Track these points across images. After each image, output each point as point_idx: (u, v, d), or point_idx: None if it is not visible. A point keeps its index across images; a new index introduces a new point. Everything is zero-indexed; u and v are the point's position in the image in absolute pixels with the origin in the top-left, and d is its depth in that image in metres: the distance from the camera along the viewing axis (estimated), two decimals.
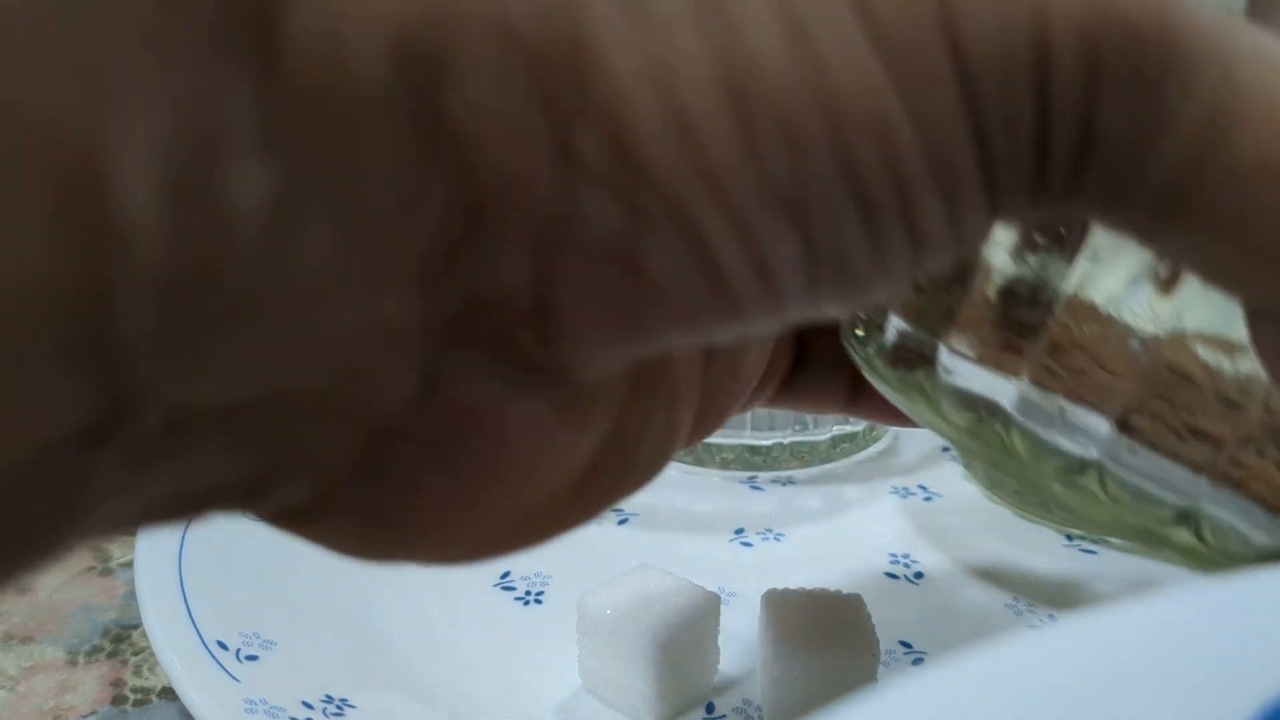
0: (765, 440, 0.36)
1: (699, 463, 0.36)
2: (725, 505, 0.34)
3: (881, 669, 0.24)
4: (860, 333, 0.24)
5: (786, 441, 0.36)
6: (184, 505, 0.11)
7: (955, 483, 0.35)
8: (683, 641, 0.24)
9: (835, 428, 0.37)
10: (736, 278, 0.12)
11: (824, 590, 0.25)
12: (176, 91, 0.09)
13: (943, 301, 0.23)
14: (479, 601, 0.28)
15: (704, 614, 0.24)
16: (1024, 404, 0.22)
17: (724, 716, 0.25)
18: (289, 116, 0.10)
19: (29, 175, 0.08)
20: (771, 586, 0.25)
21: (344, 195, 0.10)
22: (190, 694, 0.23)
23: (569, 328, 0.12)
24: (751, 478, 0.36)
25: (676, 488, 0.35)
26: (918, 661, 0.27)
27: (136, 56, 0.09)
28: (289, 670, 0.25)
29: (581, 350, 0.12)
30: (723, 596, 0.26)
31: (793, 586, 0.25)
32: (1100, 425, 0.22)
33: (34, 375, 0.09)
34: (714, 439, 0.36)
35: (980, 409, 0.23)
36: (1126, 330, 0.21)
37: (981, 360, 0.23)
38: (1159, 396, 0.21)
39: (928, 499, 0.34)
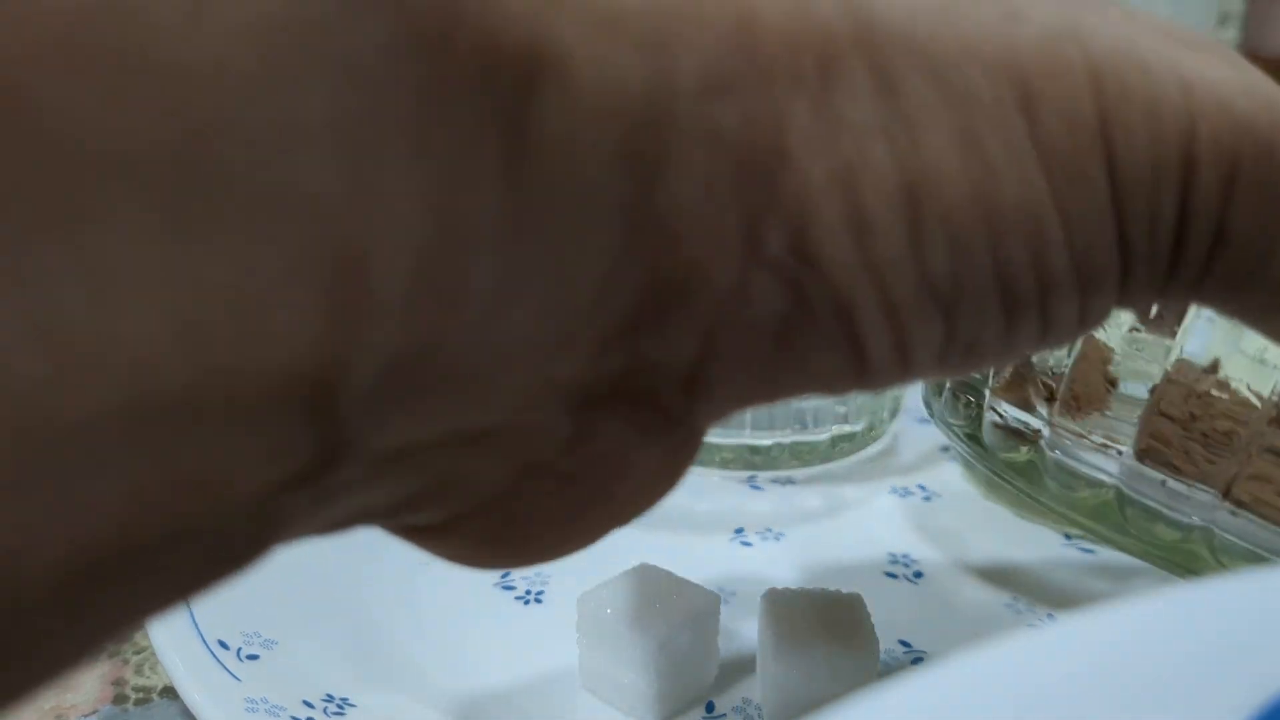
0: (765, 440, 0.36)
1: (699, 462, 0.36)
2: (725, 505, 0.34)
3: (881, 668, 0.24)
4: (959, 410, 0.25)
5: (786, 441, 0.36)
6: (335, 526, 0.12)
7: (954, 482, 0.35)
8: (682, 641, 0.24)
9: (835, 427, 0.37)
10: (877, 356, 0.13)
11: (823, 590, 0.25)
12: (432, 189, 0.10)
13: (1046, 381, 0.23)
14: (479, 601, 0.28)
15: (704, 613, 0.24)
16: (1131, 476, 0.23)
17: (724, 715, 0.25)
18: (524, 210, 0.11)
19: (304, 263, 0.09)
20: (771, 586, 0.25)
21: (557, 278, 0.11)
22: (191, 693, 0.23)
23: (715, 389, 0.13)
24: (751, 477, 0.36)
25: (676, 487, 0.35)
26: (917, 660, 0.27)
27: (403, 159, 0.10)
28: (290, 669, 0.25)
29: (718, 406, 0.13)
30: (722, 596, 0.26)
31: (792, 586, 0.25)
32: (1205, 496, 0.22)
33: (273, 433, 0.10)
34: (714, 439, 0.36)
35: (1087, 483, 0.24)
36: (1227, 404, 0.22)
37: (1088, 437, 0.23)
38: (1260, 470, 0.21)
39: (927, 499, 0.34)
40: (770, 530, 0.33)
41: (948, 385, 0.25)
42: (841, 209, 0.12)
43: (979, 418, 0.24)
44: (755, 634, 0.25)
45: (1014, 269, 0.12)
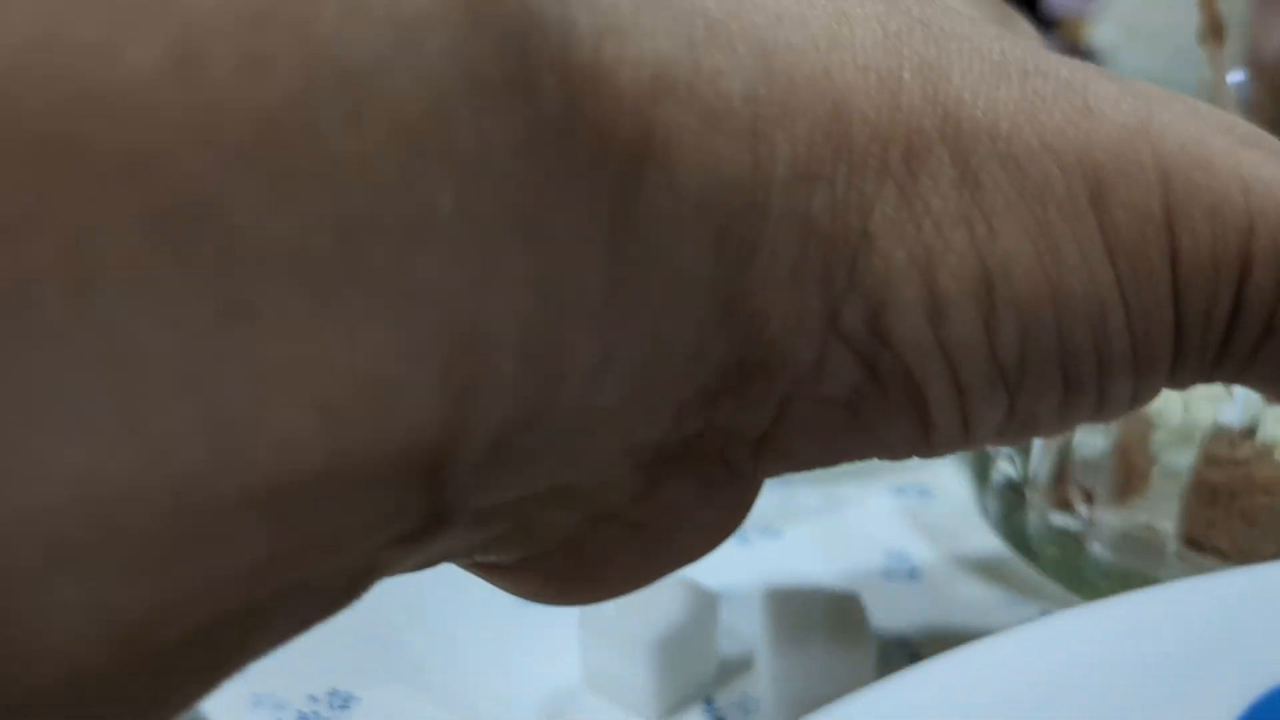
0: None
1: None
2: None
3: (878, 665, 0.25)
4: (1004, 512, 0.25)
5: None
6: (417, 568, 0.13)
7: (952, 481, 0.35)
8: (682, 638, 0.24)
9: None
10: (942, 428, 0.13)
11: (822, 588, 0.25)
12: (543, 269, 0.10)
13: (1084, 486, 0.23)
14: (482, 597, 0.29)
15: (703, 611, 0.25)
16: (1177, 569, 0.23)
17: (723, 712, 0.25)
18: (623, 288, 0.11)
19: (429, 345, 0.10)
20: (769, 584, 0.25)
21: (649, 351, 0.12)
22: None
23: (783, 452, 0.14)
24: None
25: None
26: (914, 657, 0.27)
27: (519, 243, 0.10)
28: (295, 665, 0.25)
29: (783, 466, 0.14)
30: (722, 594, 0.26)
31: (791, 584, 0.25)
32: None
33: (390, 501, 0.10)
34: None
35: (1133, 576, 0.24)
36: (1267, 478, 0.22)
37: (1132, 533, 0.23)
38: None
39: (924, 497, 0.35)
40: (769, 528, 0.33)
41: (993, 486, 0.26)
42: (920, 292, 0.13)
43: (1024, 519, 0.25)
44: (754, 632, 0.26)
45: (1077, 353, 0.13)
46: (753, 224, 0.12)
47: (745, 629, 0.27)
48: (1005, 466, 0.25)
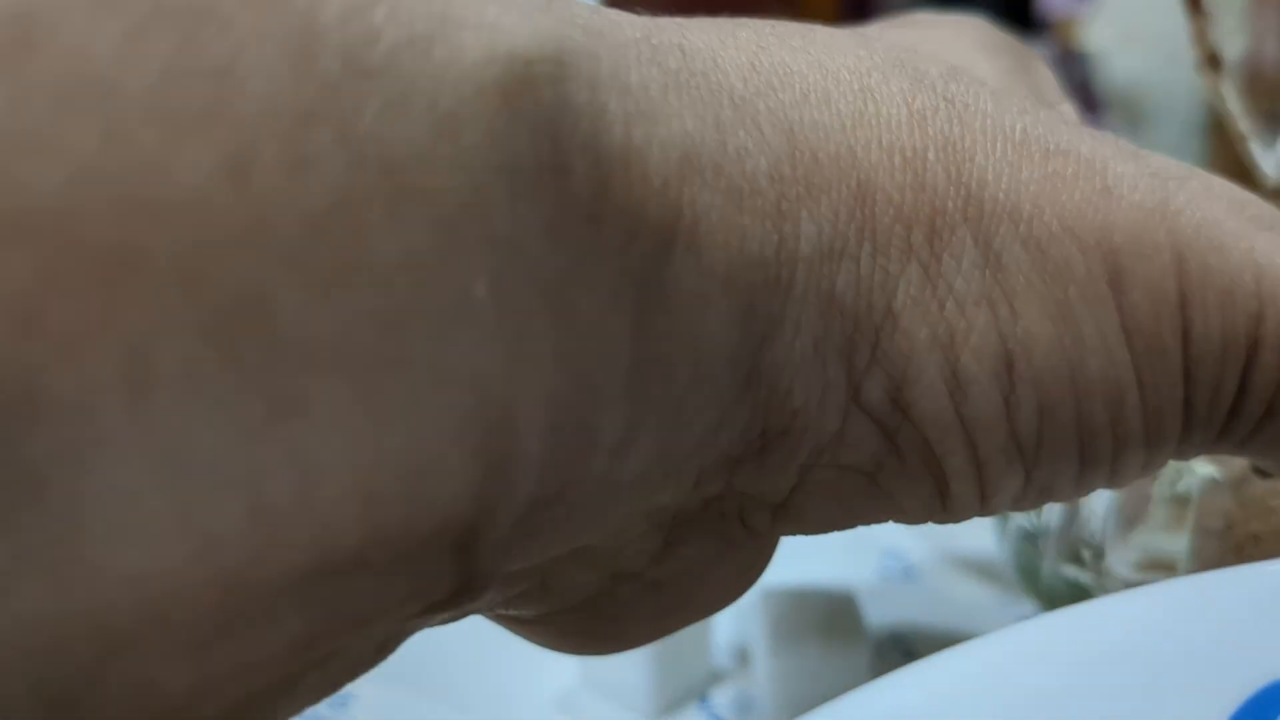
0: None
1: None
2: None
3: (874, 664, 0.25)
4: (1021, 562, 0.25)
5: None
6: (440, 623, 0.13)
7: None
8: (678, 637, 0.24)
9: None
10: (959, 498, 0.14)
11: (817, 587, 0.25)
12: (572, 348, 0.11)
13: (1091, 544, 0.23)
14: None
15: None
16: None
17: (719, 711, 0.25)
18: (649, 363, 0.11)
19: (463, 428, 0.10)
20: (765, 583, 0.25)
21: (673, 423, 0.12)
22: None
23: (801, 515, 0.14)
24: None
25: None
26: (910, 656, 0.27)
27: (549, 324, 0.10)
28: None
29: (800, 528, 0.14)
30: None
31: (786, 583, 0.25)
32: None
33: (423, 575, 0.11)
34: None
35: None
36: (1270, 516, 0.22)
37: (1139, 578, 0.23)
38: None
39: None
40: None
41: (1009, 534, 0.26)
42: (941, 369, 0.13)
43: (1038, 568, 0.25)
44: (750, 631, 0.26)
45: (1094, 429, 0.13)
46: (777, 300, 0.12)
47: (741, 628, 0.27)
48: (1020, 516, 0.25)
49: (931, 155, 0.13)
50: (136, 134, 0.08)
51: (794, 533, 0.14)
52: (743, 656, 0.26)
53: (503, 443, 0.10)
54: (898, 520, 0.14)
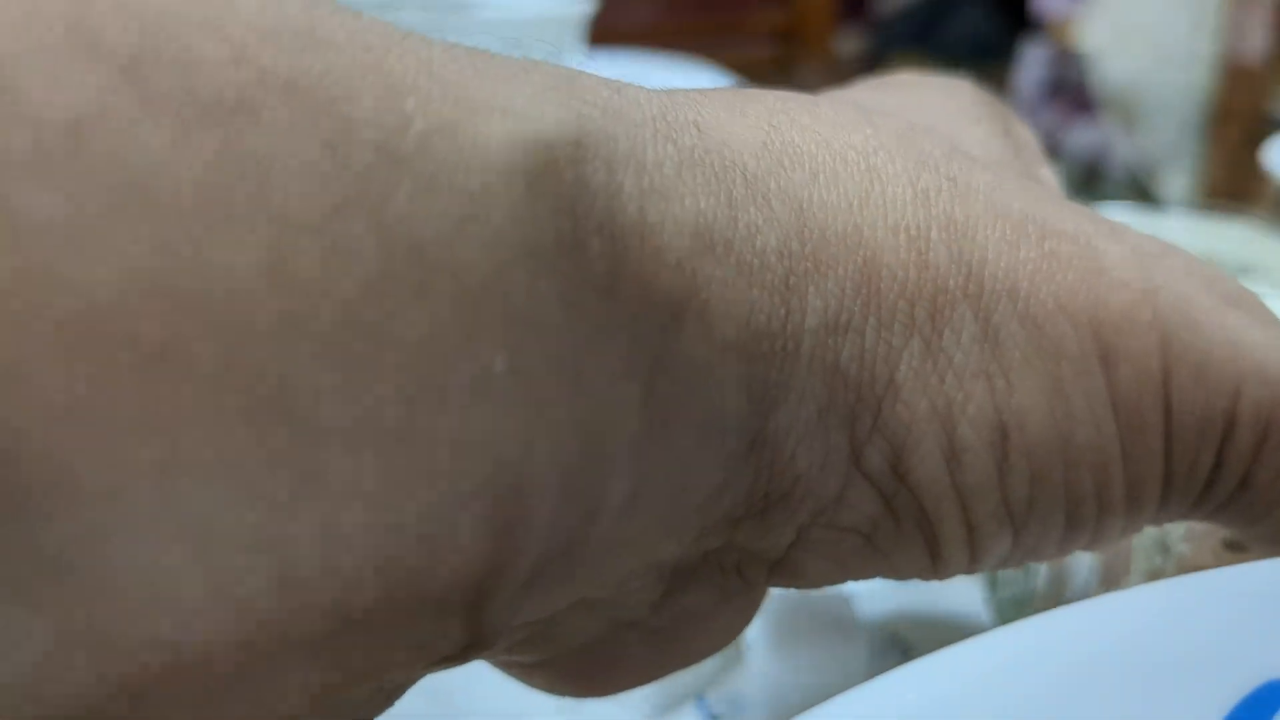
0: None
1: None
2: None
3: (870, 662, 0.25)
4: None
5: None
6: (438, 670, 0.13)
7: None
8: None
9: None
10: (949, 559, 0.14)
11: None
12: (583, 416, 0.11)
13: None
14: None
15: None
16: None
17: (715, 709, 0.25)
18: (656, 429, 0.12)
19: (477, 494, 0.10)
20: None
21: (678, 486, 0.12)
22: None
23: (797, 571, 0.14)
24: None
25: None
26: (906, 655, 0.27)
27: (563, 394, 0.11)
28: None
29: (795, 582, 0.15)
30: None
31: None
32: None
33: (432, 631, 0.11)
34: None
35: None
36: None
37: None
38: None
39: None
40: None
41: (998, 595, 0.27)
42: (939, 439, 0.13)
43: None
44: (747, 630, 0.26)
45: (1080, 497, 0.14)
46: (783, 370, 0.12)
47: None
48: (1009, 587, 0.25)
49: (934, 234, 0.13)
50: (182, 233, 0.09)
51: (788, 585, 0.15)
52: (739, 656, 0.26)
53: (514, 507, 0.11)
54: (889, 577, 0.15)
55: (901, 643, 0.27)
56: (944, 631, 0.28)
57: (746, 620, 0.16)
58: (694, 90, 0.14)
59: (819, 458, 0.13)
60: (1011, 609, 0.25)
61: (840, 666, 0.23)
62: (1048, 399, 0.13)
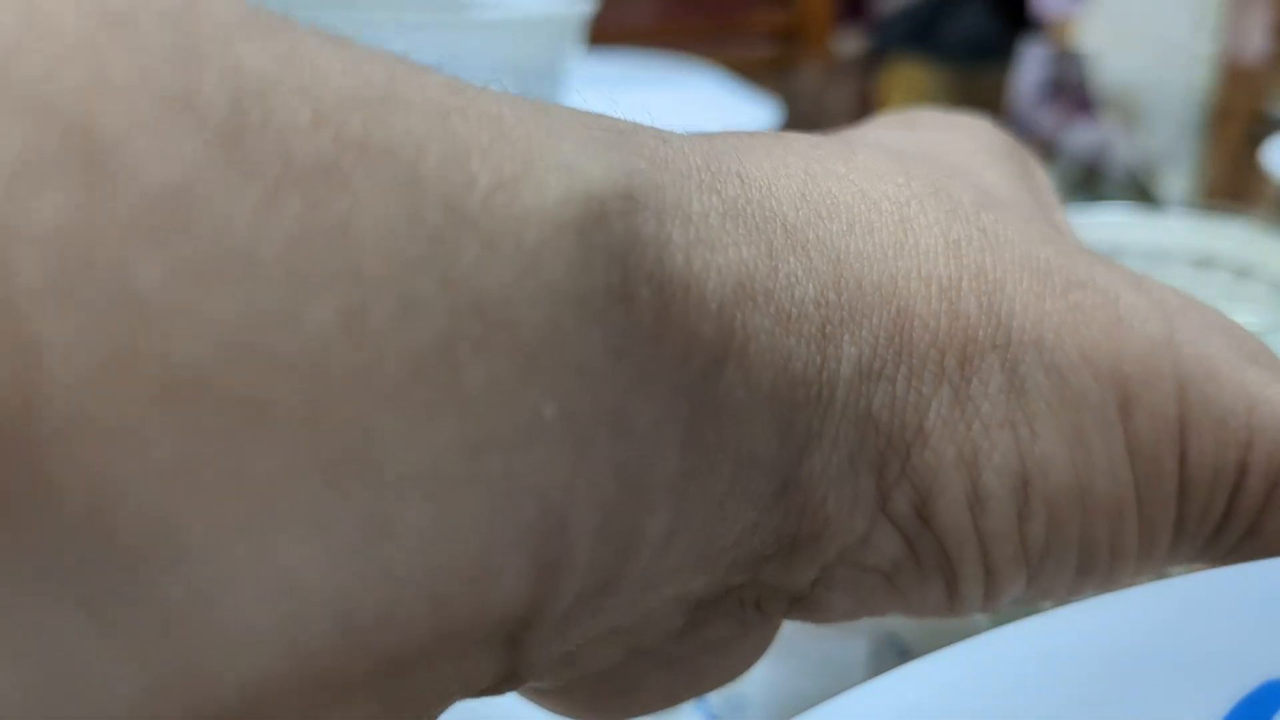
0: None
1: None
2: None
3: (870, 662, 0.25)
4: None
5: None
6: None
7: None
8: None
9: None
10: (966, 598, 0.15)
11: None
12: (625, 458, 0.11)
13: None
14: None
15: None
16: None
17: (716, 709, 0.25)
18: (694, 470, 0.12)
19: (524, 536, 0.11)
20: None
21: (711, 524, 0.13)
22: None
23: (817, 606, 0.15)
24: None
25: None
26: (906, 655, 0.27)
27: (608, 436, 0.11)
28: None
29: (814, 617, 0.15)
30: None
31: None
32: None
33: (475, 666, 0.11)
34: None
35: None
36: None
37: None
38: None
39: None
40: None
41: None
42: (964, 485, 0.14)
43: None
44: None
45: (1095, 543, 0.14)
46: (817, 415, 0.13)
47: None
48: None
49: (965, 284, 0.14)
50: (269, 296, 0.09)
51: (806, 620, 0.15)
52: None
53: (557, 547, 0.11)
54: (906, 615, 0.15)
55: (901, 643, 0.27)
56: (944, 631, 0.28)
57: (761, 652, 0.16)
58: (734, 136, 0.15)
59: (848, 501, 0.13)
60: (1010, 610, 0.25)
61: (840, 666, 0.23)
62: (1069, 448, 0.14)
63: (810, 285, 0.13)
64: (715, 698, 0.25)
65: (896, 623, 0.28)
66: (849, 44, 1.43)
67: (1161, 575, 0.20)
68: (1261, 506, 0.15)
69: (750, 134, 0.15)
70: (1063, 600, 0.16)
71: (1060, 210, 0.19)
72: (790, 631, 0.24)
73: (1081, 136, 0.68)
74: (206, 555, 0.09)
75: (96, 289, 0.08)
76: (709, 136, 0.14)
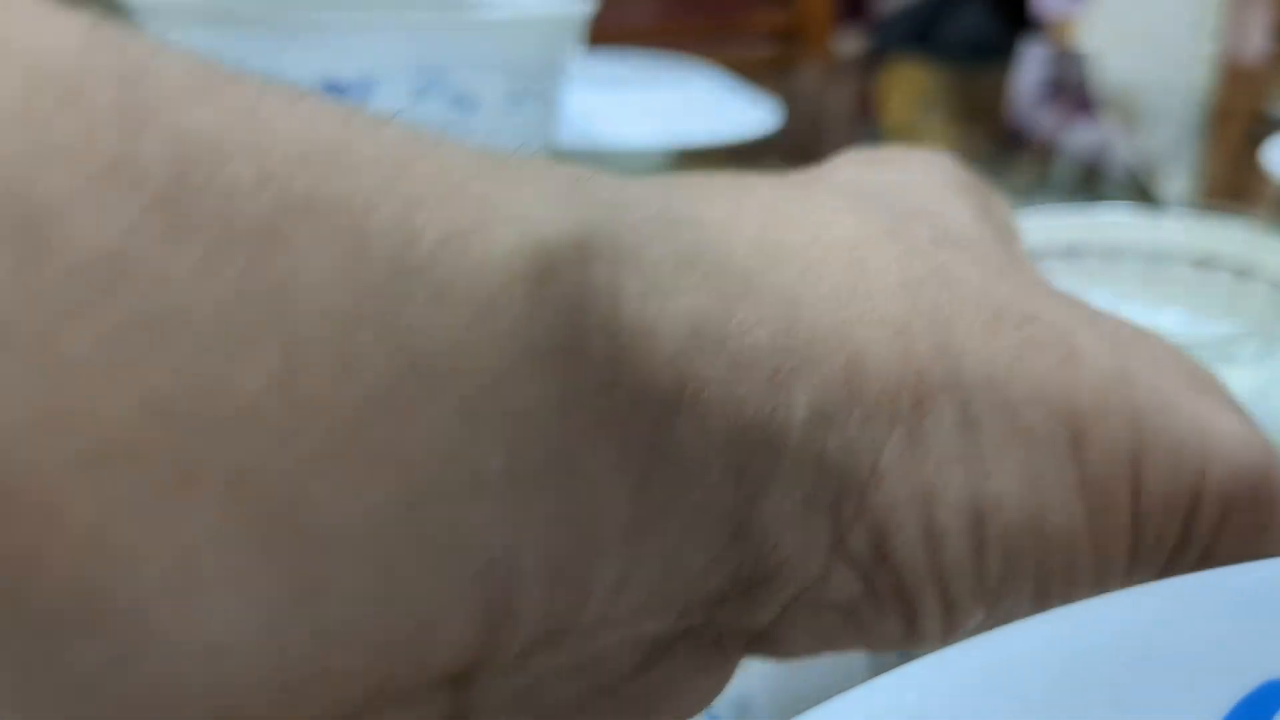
0: None
1: None
2: None
3: (871, 663, 0.25)
4: None
5: None
6: None
7: None
8: None
9: None
10: (924, 631, 0.15)
11: None
12: (575, 508, 0.11)
13: None
14: None
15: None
16: None
17: (716, 710, 0.25)
18: (646, 517, 0.12)
19: (471, 586, 0.11)
20: None
21: (665, 571, 0.13)
22: None
23: (776, 644, 0.15)
24: None
25: None
26: (907, 655, 0.27)
27: (555, 488, 0.11)
28: None
29: (773, 653, 0.15)
30: None
31: None
32: None
33: (424, 710, 0.11)
34: None
35: None
36: None
37: None
38: None
39: None
40: None
41: None
42: (920, 523, 0.14)
43: None
44: None
45: (1050, 574, 0.14)
46: (770, 460, 0.13)
47: None
48: None
49: (917, 325, 0.14)
50: (199, 358, 0.09)
51: (766, 656, 0.15)
52: None
53: (503, 597, 0.11)
54: (865, 649, 0.15)
55: None
56: None
57: (720, 689, 0.16)
58: (693, 182, 0.15)
59: (803, 542, 0.13)
60: None
61: (840, 666, 0.23)
62: (1020, 484, 0.14)
63: (763, 332, 0.13)
64: (718, 700, 0.25)
65: None
66: (849, 44, 1.43)
67: None
68: (1214, 535, 0.15)
69: (709, 180, 0.15)
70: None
71: (1019, 241, 0.19)
72: None
73: (1081, 136, 0.68)
74: (127, 620, 0.09)
75: (21, 356, 0.08)
76: (667, 183, 0.14)
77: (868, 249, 0.14)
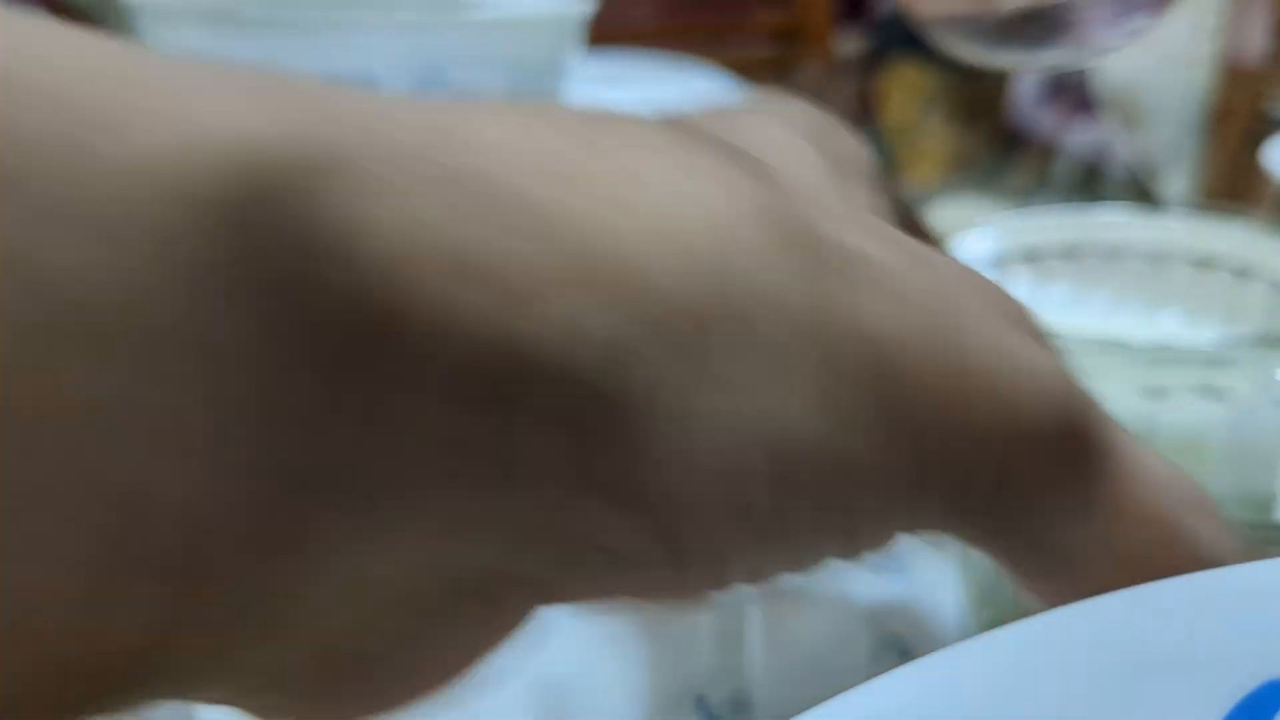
0: None
1: None
2: None
3: (870, 663, 0.25)
4: None
5: None
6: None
7: None
8: (674, 634, 0.24)
9: None
10: (699, 575, 0.14)
11: (813, 585, 0.25)
12: (283, 455, 0.11)
13: None
14: None
15: (695, 608, 0.25)
16: None
17: (715, 710, 0.25)
18: (387, 465, 0.11)
19: (153, 556, 0.10)
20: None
21: (409, 517, 0.12)
22: None
23: (552, 591, 0.14)
24: None
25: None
26: (906, 655, 0.27)
27: (251, 432, 0.10)
28: None
29: (546, 602, 0.14)
30: None
31: (782, 584, 0.25)
32: None
33: (120, 692, 0.11)
34: None
35: None
36: None
37: None
38: None
39: None
40: None
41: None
42: (697, 455, 0.13)
43: None
44: (746, 630, 0.26)
45: (827, 505, 0.14)
46: (540, 394, 0.12)
47: (738, 627, 0.27)
48: (991, 595, 0.25)
49: (711, 253, 0.13)
50: None
51: (544, 605, 0.15)
52: (740, 656, 0.26)
53: (192, 555, 0.10)
54: (641, 599, 0.15)
55: (901, 643, 0.27)
56: (944, 631, 0.28)
57: (500, 640, 0.15)
58: (484, 105, 0.14)
59: (570, 480, 0.13)
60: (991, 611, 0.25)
61: (840, 666, 0.23)
62: (809, 414, 0.13)
63: (546, 261, 0.12)
64: (716, 697, 0.25)
65: (896, 622, 0.28)
66: (849, 44, 1.43)
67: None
68: (1023, 469, 0.14)
69: (499, 103, 0.14)
70: (806, 571, 0.16)
71: (864, 183, 0.19)
72: (791, 631, 0.24)
73: (1081, 136, 0.68)
74: None
75: None
76: (448, 104, 0.13)
77: (672, 182, 0.13)
